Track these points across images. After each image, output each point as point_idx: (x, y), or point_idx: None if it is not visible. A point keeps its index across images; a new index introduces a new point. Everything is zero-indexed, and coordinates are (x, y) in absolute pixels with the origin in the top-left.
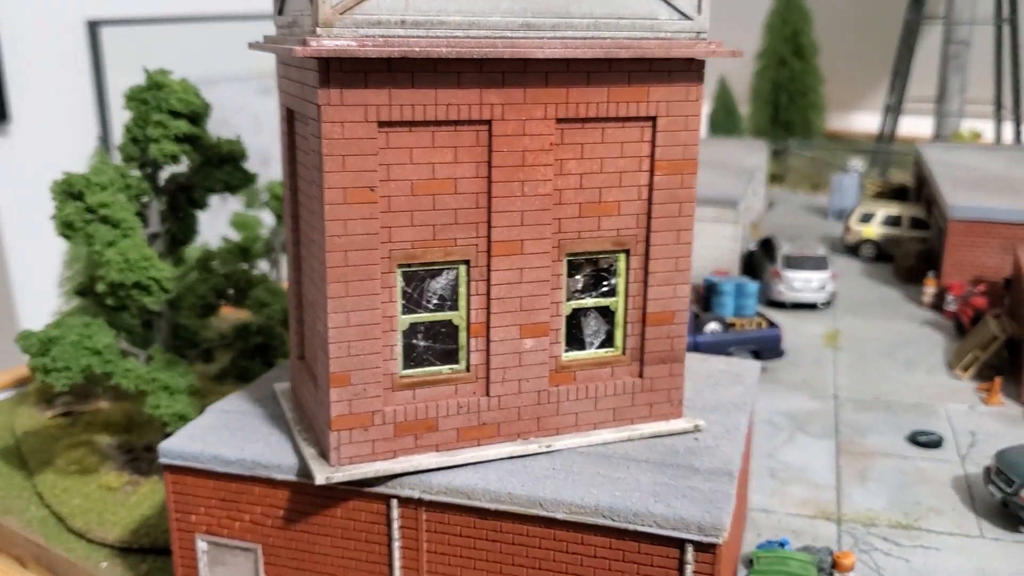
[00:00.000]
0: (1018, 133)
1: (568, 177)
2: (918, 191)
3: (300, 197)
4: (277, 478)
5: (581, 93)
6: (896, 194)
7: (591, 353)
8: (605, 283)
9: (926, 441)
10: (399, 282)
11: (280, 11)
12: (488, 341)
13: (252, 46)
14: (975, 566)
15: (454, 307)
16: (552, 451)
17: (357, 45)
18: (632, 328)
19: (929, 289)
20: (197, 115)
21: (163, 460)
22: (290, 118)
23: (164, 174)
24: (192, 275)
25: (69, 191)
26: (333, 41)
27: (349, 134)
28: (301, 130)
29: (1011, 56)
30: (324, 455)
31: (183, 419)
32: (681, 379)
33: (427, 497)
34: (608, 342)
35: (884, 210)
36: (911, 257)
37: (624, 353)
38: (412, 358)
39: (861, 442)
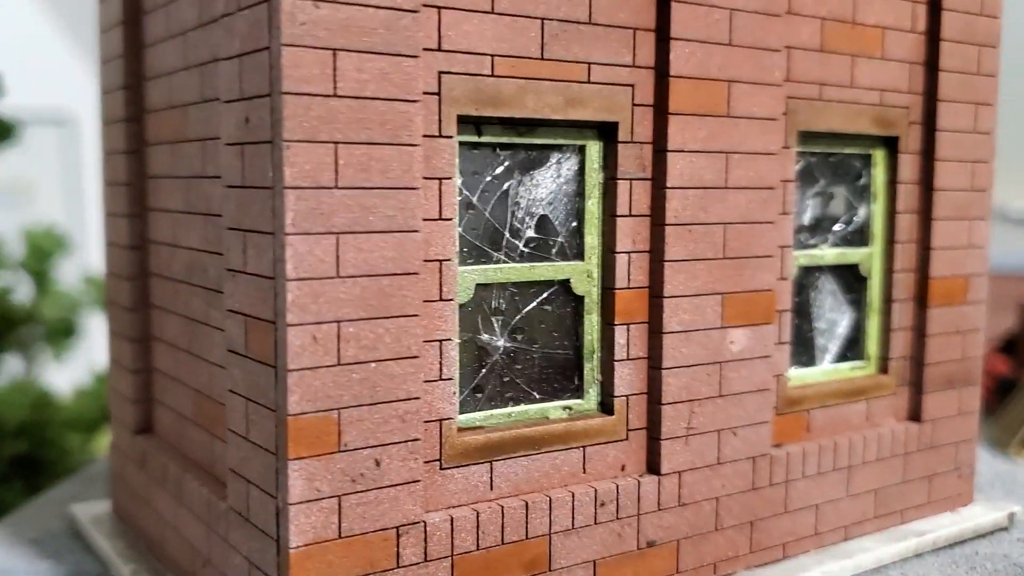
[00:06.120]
0: None
1: None
2: None
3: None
4: None
5: None
6: None
7: (829, 371)
8: (852, 212)
9: None
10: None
11: None
12: (655, 334)
13: None
14: None
15: (578, 254)
16: None
17: None
18: (900, 314)
19: None
20: None
21: None
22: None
23: None
24: None
25: None
26: None
27: None
28: None
29: None
30: None
31: None
32: (975, 421)
33: None
34: (852, 348)
35: None
36: None
37: (885, 371)
38: (477, 390)
39: None
